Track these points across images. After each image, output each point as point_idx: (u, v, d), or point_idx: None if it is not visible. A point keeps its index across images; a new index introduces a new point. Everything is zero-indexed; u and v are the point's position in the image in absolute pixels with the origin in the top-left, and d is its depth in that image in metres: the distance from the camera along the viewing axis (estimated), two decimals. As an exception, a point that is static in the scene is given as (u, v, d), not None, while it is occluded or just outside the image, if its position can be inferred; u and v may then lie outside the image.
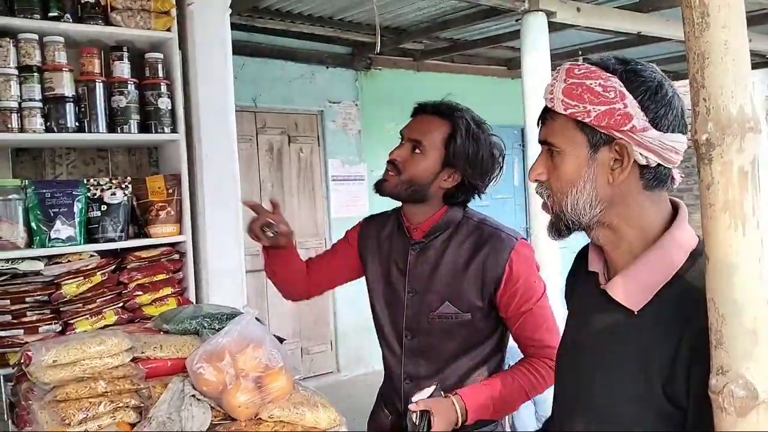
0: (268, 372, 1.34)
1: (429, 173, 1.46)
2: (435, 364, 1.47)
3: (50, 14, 2.07)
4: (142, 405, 1.31)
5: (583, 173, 0.93)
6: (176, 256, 2.28)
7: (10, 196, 1.98)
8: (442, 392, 1.34)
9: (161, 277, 2.21)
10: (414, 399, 1.30)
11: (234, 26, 2.46)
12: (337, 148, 5.31)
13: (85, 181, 2.13)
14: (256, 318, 1.43)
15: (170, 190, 2.25)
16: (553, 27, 4.22)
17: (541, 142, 0.99)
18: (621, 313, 0.94)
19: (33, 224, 2.00)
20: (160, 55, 2.28)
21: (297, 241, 5.45)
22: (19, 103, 2.01)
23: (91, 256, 2.09)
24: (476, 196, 1.54)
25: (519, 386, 1.41)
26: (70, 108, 2.08)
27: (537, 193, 1.02)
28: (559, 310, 1.17)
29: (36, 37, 2.05)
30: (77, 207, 2.06)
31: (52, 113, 2.05)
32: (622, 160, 0.92)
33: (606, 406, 0.95)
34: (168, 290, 2.21)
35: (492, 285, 1.43)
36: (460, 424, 1.33)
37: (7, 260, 1.96)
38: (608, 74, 0.92)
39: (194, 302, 2.27)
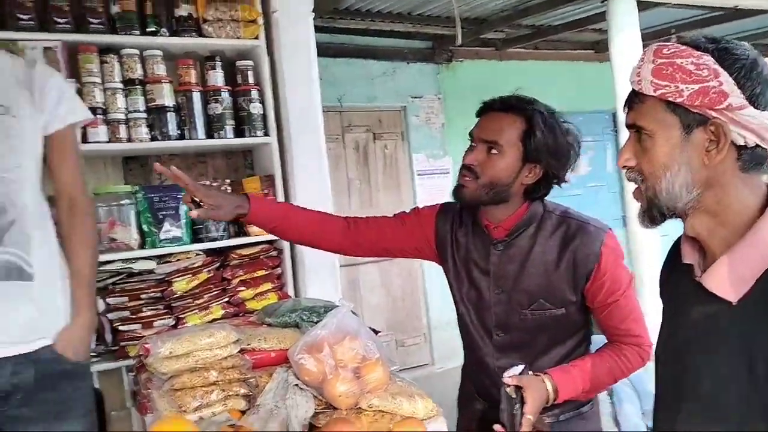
0: (365, 363, 1.38)
1: (510, 172, 1.41)
2: (528, 357, 1.46)
3: (148, 29, 2.22)
4: (250, 393, 1.38)
5: (677, 156, 0.90)
6: (274, 253, 2.38)
7: (122, 202, 2.14)
8: (530, 371, 1.34)
9: (261, 273, 2.31)
10: (506, 375, 1.29)
11: (316, 29, 2.52)
12: (421, 142, 5.32)
13: (188, 185, 2.27)
14: (351, 311, 1.47)
15: (265, 191, 2.36)
16: (642, 5, 4.02)
17: (629, 126, 0.96)
18: (720, 304, 0.90)
19: (144, 227, 2.16)
20: (250, 62, 2.39)
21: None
22: (126, 115, 2.17)
23: (197, 254, 2.23)
24: (556, 186, 1.49)
25: (607, 368, 1.41)
26: (171, 117, 2.22)
27: (628, 179, 0.99)
28: (656, 300, 1.14)
29: (137, 52, 2.21)
30: (183, 209, 2.20)
31: (156, 123, 2.20)
32: (718, 140, 0.88)
33: (711, 398, 0.91)
34: (268, 285, 2.31)
35: (583, 279, 1.42)
36: (550, 402, 1.33)
37: (123, 260, 2.13)
38: (699, 52, 0.88)
39: (292, 296, 2.37)
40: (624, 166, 0.97)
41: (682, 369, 0.98)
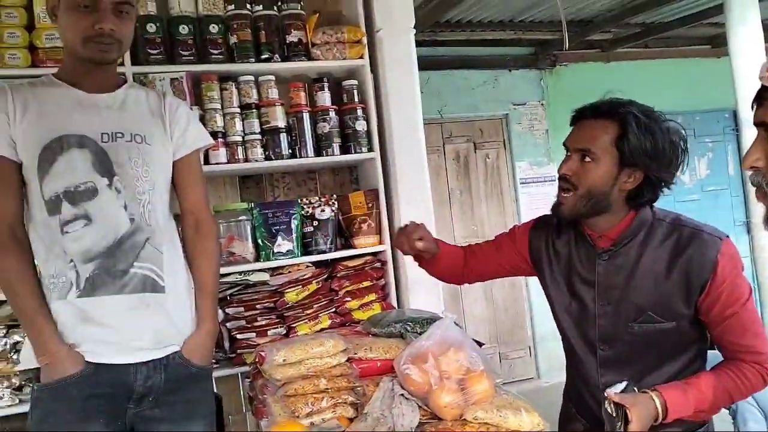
0: (469, 374, 1.39)
1: (607, 179, 1.36)
2: (635, 373, 1.39)
3: (262, 57, 2.37)
4: (357, 402, 1.43)
5: None
6: (378, 265, 2.45)
7: (240, 218, 2.30)
8: (635, 388, 1.28)
9: (366, 284, 2.39)
10: (608, 391, 1.26)
11: (417, 43, 2.58)
12: (524, 150, 5.23)
13: (299, 201, 2.40)
14: (454, 322, 1.49)
15: (370, 204, 2.44)
16: (766, -5, 3.74)
17: (758, 124, 0.91)
18: None
19: (259, 241, 2.31)
20: (355, 82, 2.49)
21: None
22: (243, 137, 2.33)
23: (307, 266, 2.34)
24: (664, 191, 1.41)
25: (723, 388, 1.32)
26: (283, 137, 2.36)
27: (752, 182, 0.93)
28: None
29: (252, 78, 2.37)
30: (294, 224, 2.33)
31: (269, 143, 2.35)
32: None
33: None
34: (372, 296, 2.38)
35: (697, 290, 1.33)
36: (660, 420, 1.27)
37: (240, 273, 2.28)
38: None
39: (396, 307, 2.42)
40: (752, 167, 0.92)
41: None
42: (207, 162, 2.26)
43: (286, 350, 1.47)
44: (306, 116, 2.40)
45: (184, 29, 2.26)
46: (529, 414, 1.33)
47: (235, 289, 2.29)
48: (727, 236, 1.37)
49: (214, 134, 2.27)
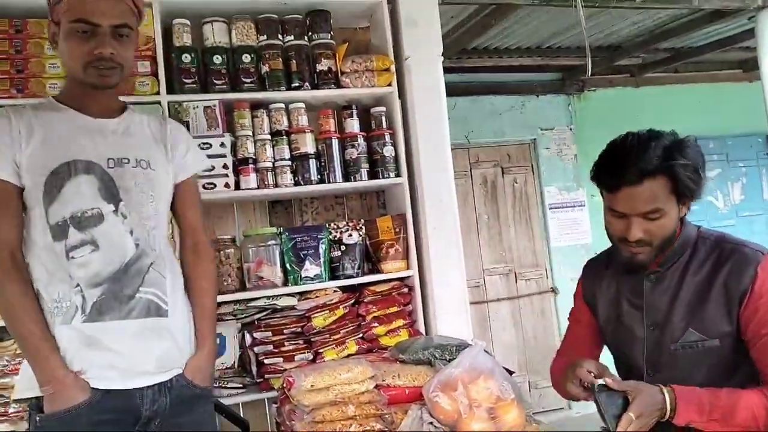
0: (500, 403, 1.38)
1: (675, 222, 1.38)
2: None
3: (293, 85, 2.42)
4: (385, 429, 1.43)
5: None
6: (405, 290, 2.45)
7: (269, 242, 2.32)
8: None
9: (393, 309, 2.38)
10: (606, 380, 1.26)
11: (445, 69, 2.60)
12: (553, 175, 5.20)
13: (327, 226, 2.41)
14: (484, 350, 1.48)
15: (397, 229, 2.44)
16: (798, 18, 3.68)
17: None
18: None
19: (287, 265, 2.32)
20: (383, 109, 2.52)
21: (517, 272, 5.34)
22: (273, 163, 2.37)
23: (335, 291, 2.34)
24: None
25: (746, 405, 1.26)
26: (312, 163, 2.39)
27: None
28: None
29: (283, 105, 2.42)
30: (321, 248, 2.34)
31: (299, 169, 2.39)
32: None
33: None
34: (400, 322, 2.37)
35: (737, 302, 1.32)
36: (666, 417, 1.24)
37: (268, 297, 2.29)
38: None
39: (424, 333, 2.41)
40: None
41: None
42: (238, 187, 2.30)
43: (315, 376, 1.47)
44: (335, 142, 2.43)
45: (218, 59, 2.32)
46: (560, 445, 1.31)
47: (263, 313, 2.30)
48: None
49: (245, 160, 2.32)
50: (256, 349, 2.26)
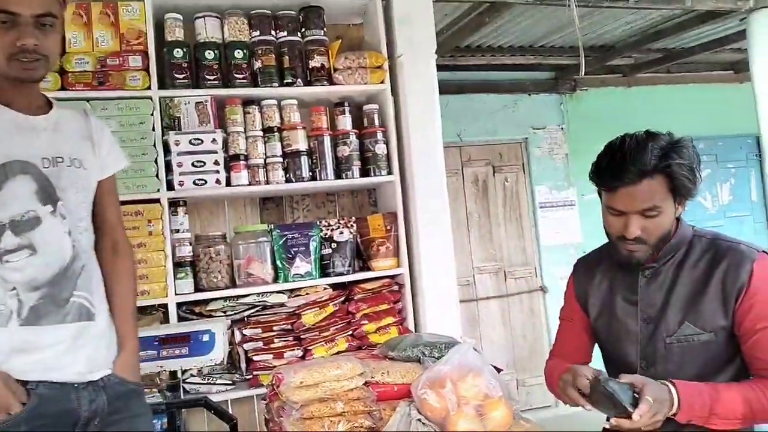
0: (488, 401, 1.38)
1: (671, 220, 1.41)
2: None
3: (285, 81, 2.41)
4: (374, 426, 1.43)
5: None
6: (395, 288, 2.46)
7: (259, 239, 2.32)
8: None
9: (383, 307, 2.39)
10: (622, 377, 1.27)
11: (438, 67, 2.60)
12: (544, 174, 5.22)
13: (318, 223, 2.41)
14: (473, 348, 1.48)
15: (388, 227, 2.45)
16: (788, 21, 3.71)
17: None
18: None
19: (278, 262, 2.32)
20: (376, 106, 2.52)
21: (507, 270, 5.35)
22: (264, 159, 2.37)
23: (325, 288, 2.35)
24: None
25: (744, 399, 1.29)
26: (304, 160, 2.39)
27: None
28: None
29: (275, 102, 2.41)
30: (312, 246, 2.34)
31: (290, 166, 2.38)
32: None
33: None
34: (390, 319, 2.38)
35: (733, 298, 1.35)
36: (674, 410, 1.26)
37: (258, 294, 2.29)
38: None
39: (413, 331, 2.42)
40: None
41: None
42: (229, 184, 2.29)
43: (304, 372, 1.47)
44: (327, 140, 2.43)
45: (210, 54, 2.31)
46: (547, 442, 1.32)
47: (253, 310, 2.30)
48: (765, 251, 1.40)
49: (236, 156, 2.32)
50: (245, 345, 2.26)
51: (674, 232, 1.44)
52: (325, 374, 1.46)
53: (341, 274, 2.39)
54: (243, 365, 2.27)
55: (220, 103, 2.35)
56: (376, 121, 2.51)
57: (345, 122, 2.48)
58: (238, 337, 2.26)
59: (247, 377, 2.27)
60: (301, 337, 2.29)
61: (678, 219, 1.45)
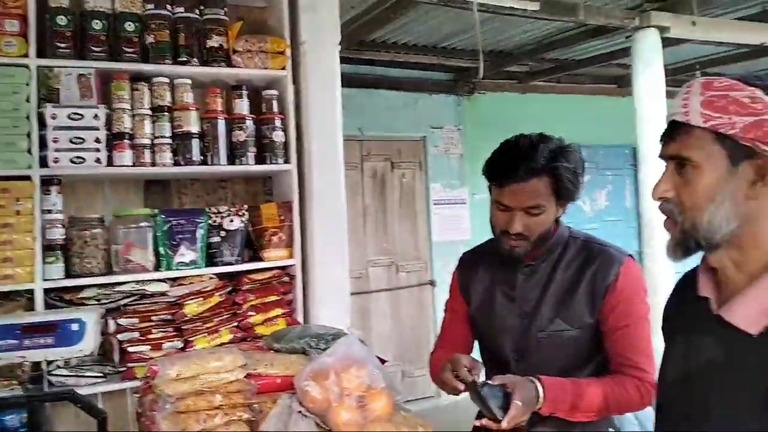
0: (370, 392, 1.39)
1: (552, 219, 1.49)
2: None
3: (179, 59, 2.29)
4: (253, 419, 1.40)
5: (722, 188, 0.91)
6: (286, 279, 2.41)
7: (141, 224, 2.19)
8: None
9: (272, 298, 2.34)
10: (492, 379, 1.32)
11: (341, 60, 2.58)
12: (439, 172, 5.37)
13: (207, 210, 2.32)
14: (359, 339, 1.49)
15: (282, 217, 2.40)
16: (667, 42, 4.05)
17: (670, 157, 0.97)
18: (738, 338, 0.91)
19: (161, 249, 2.21)
20: (275, 92, 2.45)
21: (399, 264, 5.46)
22: (152, 140, 2.24)
23: (210, 278, 2.26)
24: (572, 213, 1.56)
25: (603, 393, 1.39)
26: (195, 143, 2.29)
27: (663, 210, 0.98)
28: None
29: (167, 80, 2.28)
30: (200, 233, 2.25)
31: (180, 148, 2.27)
32: (764, 175, 0.89)
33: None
34: (278, 311, 2.34)
35: (600, 298, 1.45)
36: (539, 405, 1.33)
37: (137, 282, 2.16)
38: (751, 87, 0.90)
39: (302, 323, 2.39)
40: (661, 198, 0.97)
41: (689, 406, 0.97)
42: (110, 163, 2.15)
43: (182, 364, 1.41)
44: (221, 123, 2.34)
45: (97, 24, 2.16)
46: (425, 433, 1.35)
47: (131, 299, 2.17)
48: (631, 255, 1.51)
49: (120, 135, 2.17)
50: (120, 336, 2.13)
51: (553, 232, 1.52)
52: (204, 366, 1.41)
53: (229, 263, 2.31)
54: (116, 357, 2.14)
55: (106, 77, 2.19)
56: (275, 108, 2.44)
57: (242, 106, 2.40)
58: (112, 326, 2.12)
59: (121, 369, 2.14)
60: (182, 327, 2.19)
61: (557, 221, 1.54)
